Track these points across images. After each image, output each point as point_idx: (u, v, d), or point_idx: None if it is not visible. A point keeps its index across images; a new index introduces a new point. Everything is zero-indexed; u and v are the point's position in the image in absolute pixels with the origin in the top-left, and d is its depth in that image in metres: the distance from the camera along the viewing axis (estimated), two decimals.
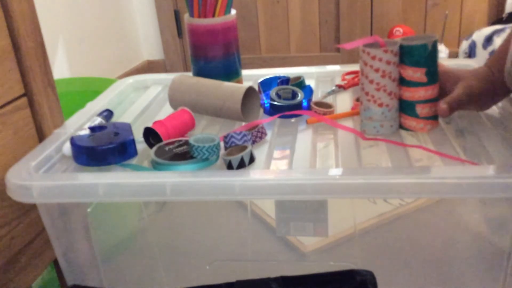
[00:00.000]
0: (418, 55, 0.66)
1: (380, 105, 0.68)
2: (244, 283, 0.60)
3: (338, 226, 0.87)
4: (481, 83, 0.69)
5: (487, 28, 1.62)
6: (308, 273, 0.59)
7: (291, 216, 0.70)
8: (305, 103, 0.78)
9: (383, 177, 0.56)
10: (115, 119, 0.84)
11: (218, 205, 0.91)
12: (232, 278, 0.60)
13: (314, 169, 0.64)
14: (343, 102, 0.82)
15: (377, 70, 0.67)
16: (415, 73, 0.66)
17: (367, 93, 0.68)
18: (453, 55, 2.08)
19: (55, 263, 0.85)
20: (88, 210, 0.74)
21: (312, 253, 0.86)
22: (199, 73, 0.86)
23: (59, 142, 0.73)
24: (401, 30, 2.12)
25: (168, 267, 0.87)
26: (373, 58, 0.66)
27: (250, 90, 0.77)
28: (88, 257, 0.76)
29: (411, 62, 0.66)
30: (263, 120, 0.76)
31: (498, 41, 1.53)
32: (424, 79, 0.66)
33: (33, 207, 0.75)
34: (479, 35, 1.62)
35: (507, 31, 0.63)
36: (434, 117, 0.69)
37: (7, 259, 0.72)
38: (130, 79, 1.00)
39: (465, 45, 1.68)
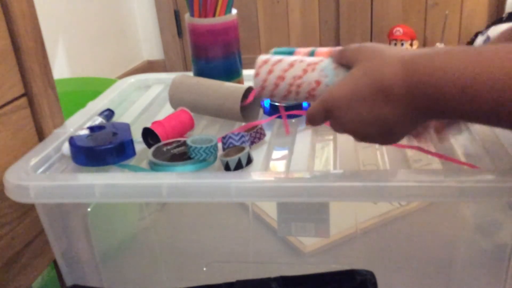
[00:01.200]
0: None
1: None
2: (244, 283, 0.60)
3: (339, 226, 0.87)
4: None
5: (503, 25, 1.60)
6: (308, 273, 0.59)
7: (293, 217, 0.69)
8: (305, 104, 0.78)
9: (382, 180, 0.56)
10: (116, 118, 0.84)
11: (219, 205, 0.90)
12: (232, 278, 0.60)
13: (311, 171, 0.63)
14: None
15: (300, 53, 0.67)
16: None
17: (307, 68, 0.62)
18: None
19: (55, 263, 0.85)
20: (89, 209, 0.74)
21: (313, 253, 0.86)
22: (199, 73, 0.86)
23: (59, 142, 0.72)
24: (401, 30, 2.12)
25: (168, 267, 0.87)
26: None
27: (249, 90, 0.77)
28: (88, 256, 0.75)
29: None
30: (263, 120, 0.76)
31: None
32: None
33: (33, 206, 0.75)
34: (495, 30, 1.59)
35: None
36: None
37: (7, 259, 0.72)
38: (132, 79, 0.99)
39: (480, 39, 1.65)
